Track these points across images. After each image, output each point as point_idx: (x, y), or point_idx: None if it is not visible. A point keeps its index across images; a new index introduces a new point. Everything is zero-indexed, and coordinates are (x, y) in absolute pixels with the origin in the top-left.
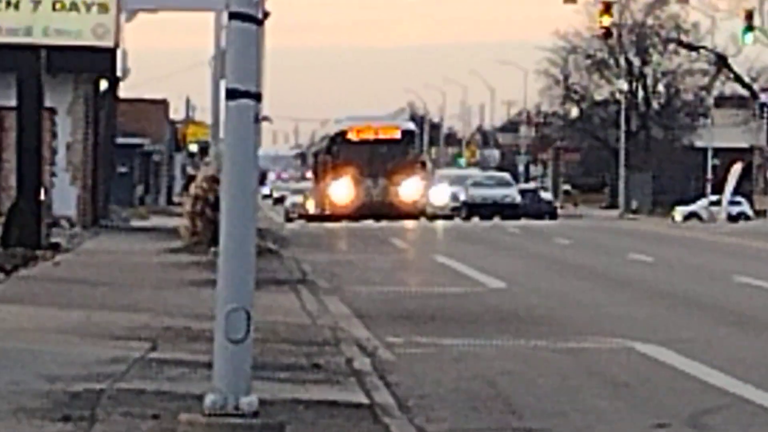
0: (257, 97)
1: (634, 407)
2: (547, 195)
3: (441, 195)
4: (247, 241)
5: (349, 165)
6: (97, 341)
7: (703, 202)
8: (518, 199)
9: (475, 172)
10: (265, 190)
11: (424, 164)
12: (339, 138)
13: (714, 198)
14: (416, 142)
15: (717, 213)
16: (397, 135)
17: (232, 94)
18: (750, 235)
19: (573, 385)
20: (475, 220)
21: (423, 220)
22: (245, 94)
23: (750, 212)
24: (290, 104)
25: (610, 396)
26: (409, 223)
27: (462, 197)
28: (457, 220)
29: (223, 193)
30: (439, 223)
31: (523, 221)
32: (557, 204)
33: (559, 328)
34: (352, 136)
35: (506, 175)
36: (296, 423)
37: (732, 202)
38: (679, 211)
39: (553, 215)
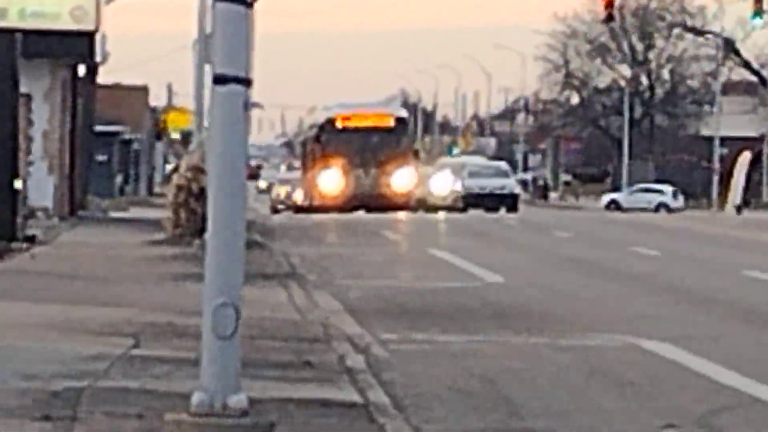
0: (247, 82)
1: (640, 407)
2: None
3: (443, 184)
4: (235, 233)
5: (338, 154)
6: (77, 337)
7: (625, 191)
8: (517, 189)
9: (479, 160)
10: (262, 184)
11: (417, 154)
12: (328, 126)
13: (640, 186)
14: (409, 131)
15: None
16: (390, 123)
17: (220, 79)
18: (757, 227)
19: (576, 384)
20: (472, 211)
21: (420, 212)
22: (234, 79)
23: (673, 204)
24: (277, 91)
25: (616, 395)
26: (402, 215)
27: (458, 187)
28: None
29: (211, 184)
30: (434, 215)
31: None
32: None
33: (560, 324)
34: (342, 124)
35: (504, 165)
36: (287, 423)
37: (650, 190)
38: (603, 199)
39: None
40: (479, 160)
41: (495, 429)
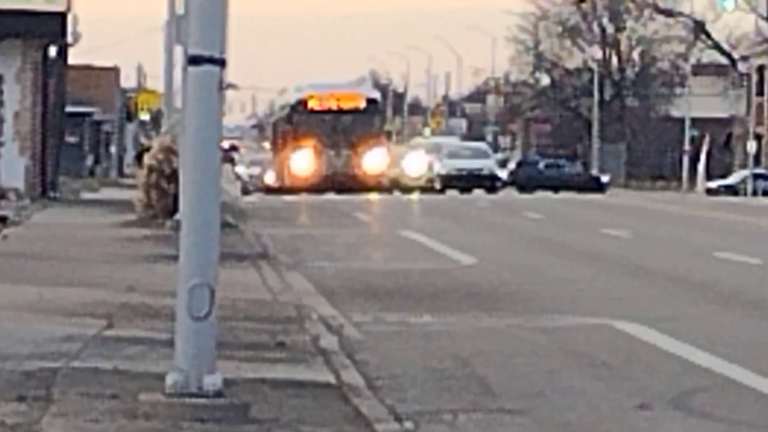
0: (221, 63)
1: (614, 388)
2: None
3: (417, 164)
4: (210, 214)
5: (310, 135)
6: (51, 318)
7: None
8: (496, 170)
9: (456, 141)
10: (241, 168)
11: (389, 135)
12: (300, 107)
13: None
14: (381, 112)
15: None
16: (361, 104)
17: (194, 60)
18: (727, 208)
19: (549, 365)
20: (448, 192)
21: (395, 192)
22: (209, 60)
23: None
24: (247, 72)
25: (589, 376)
26: (374, 196)
27: (437, 168)
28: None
29: (186, 165)
30: (406, 197)
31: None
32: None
33: (534, 305)
34: (313, 104)
35: (484, 145)
36: (261, 404)
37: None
38: None
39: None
40: (456, 141)
41: (470, 410)
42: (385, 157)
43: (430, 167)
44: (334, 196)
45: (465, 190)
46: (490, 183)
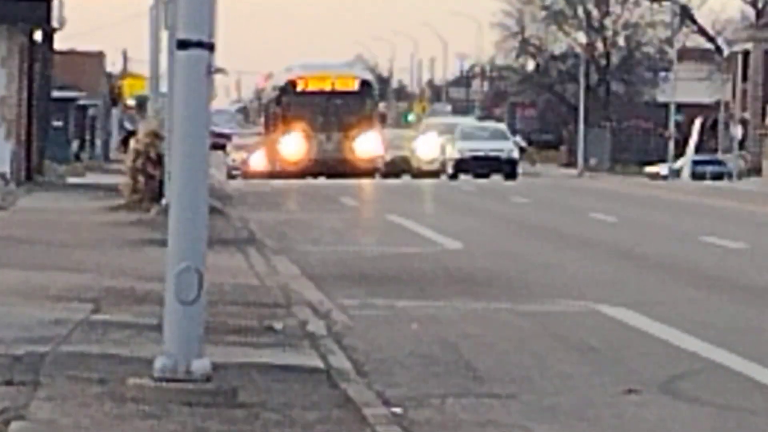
0: (210, 47)
1: (602, 373)
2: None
3: (430, 147)
4: (199, 198)
5: (300, 118)
6: (38, 302)
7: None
8: (515, 153)
9: (468, 120)
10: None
11: (383, 117)
12: (290, 88)
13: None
14: (374, 94)
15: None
16: (355, 86)
17: (183, 44)
18: (713, 194)
19: (537, 350)
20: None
21: (390, 178)
22: (197, 44)
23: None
24: (232, 56)
25: (577, 361)
26: (362, 181)
27: (450, 150)
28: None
29: (174, 149)
30: (393, 182)
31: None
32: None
33: (521, 290)
34: (304, 85)
35: (502, 126)
36: (249, 388)
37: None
38: None
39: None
40: (471, 120)
41: (458, 394)
42: (379, 142)
43: (443, 150)
44: (323, 181)
45: (481, 175)
46: (510, 168)
